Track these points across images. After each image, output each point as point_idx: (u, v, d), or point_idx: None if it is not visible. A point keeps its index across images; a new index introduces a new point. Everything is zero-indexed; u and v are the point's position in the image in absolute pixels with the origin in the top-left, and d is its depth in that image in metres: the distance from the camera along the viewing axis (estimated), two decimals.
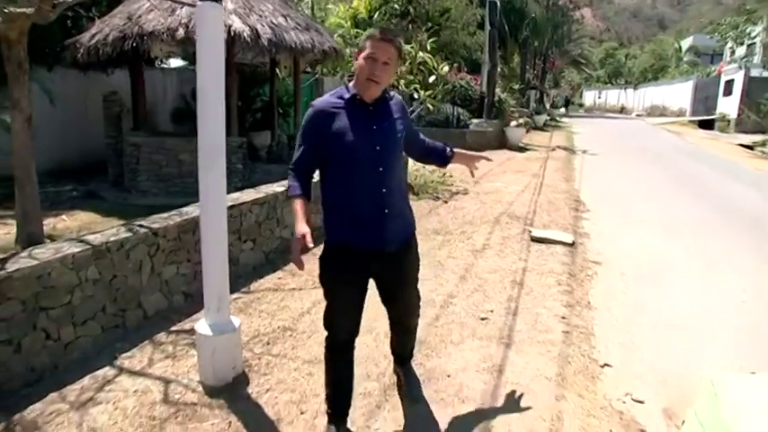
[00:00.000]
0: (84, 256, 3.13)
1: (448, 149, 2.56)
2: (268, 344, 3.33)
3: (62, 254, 3.04)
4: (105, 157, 8.47)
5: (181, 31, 6.55)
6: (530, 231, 6.00)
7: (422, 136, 2.55)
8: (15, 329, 2.79)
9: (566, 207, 7.58)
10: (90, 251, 3.17)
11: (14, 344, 2.79)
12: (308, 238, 1.96)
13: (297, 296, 4.11)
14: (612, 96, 58.81)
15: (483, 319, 3.75)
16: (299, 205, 2.13)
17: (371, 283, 2.35)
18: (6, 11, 4.50)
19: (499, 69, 25.99)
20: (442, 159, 2.57)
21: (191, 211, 4.00)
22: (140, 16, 6.85)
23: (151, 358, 3.13)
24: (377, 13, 17.35)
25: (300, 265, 2.02)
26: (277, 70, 10.96)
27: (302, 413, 2.61)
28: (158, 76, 11.61)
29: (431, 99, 9.81)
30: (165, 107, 11.60)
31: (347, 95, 2.18)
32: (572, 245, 5.60)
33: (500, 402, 2.74)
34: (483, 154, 2.65)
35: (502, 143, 15.97)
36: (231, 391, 2.79)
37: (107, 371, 3.00)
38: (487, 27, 17.87)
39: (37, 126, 7.18)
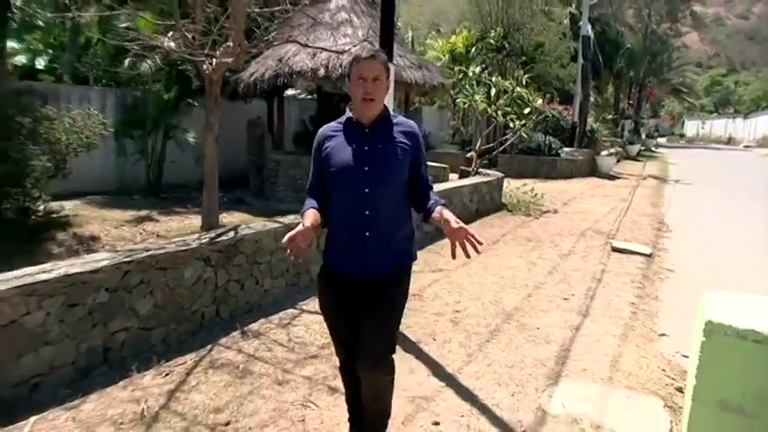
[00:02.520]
0: (281, 231, 4.56)
1: (433, 206, 2.16)
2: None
3: (268, 228, 4.49)
4: (246, 171, 10.31)
5: (322, 71, 8.19)
6: (611, 243, 6.85)
7: (425, 177, 2.27)
8: (242, 274, 4.24)
9: (648, 227, 8.27)
10: (282, 228, 4.60)
11: (240, 283, 4.24)
12: (305, 227, 1.97)
13: (421, 275, 5.33)
14: (718, 126, 55.84)
15: (566, 299, 4.76)
16: (306, 215, 2.13)
17: None
18: (215, 60, 6.22)
19: (592, 99, 26.29)
20: (422, 210, 2.21)
21: None
22: (289, 59, 8.59)
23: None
24: (473, 48, 18.60)
25: (293, 248, 1.92)
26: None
27: (434, 340, 3.82)
28: (284, 105, 13.58)
29: (524, 129, 10.82)
30: (288, 130, 13.53)
31: (344, 119, 2.23)
32: (649, 256, 6.39)
33: (576, 345, 3.77)
34: (471, 228, 2.00)
35: (592, 171, 16.49)
36: None
37: (293, 311, 4.36)
38: (580, 60, 18.52)
39: (194, 145, 9.14)
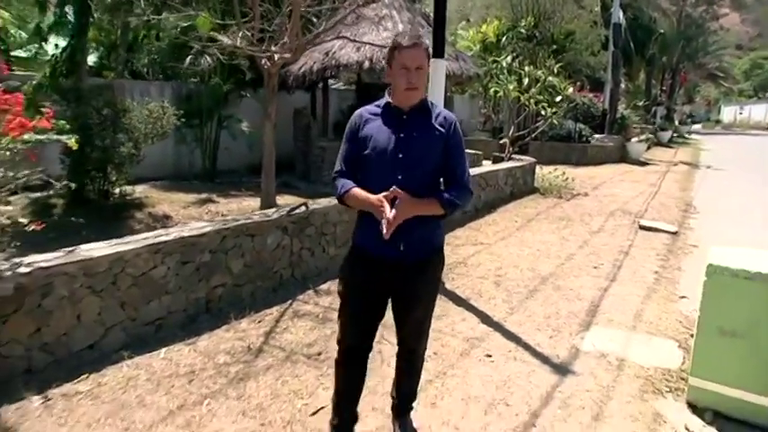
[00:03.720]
0: (342, 208, 5.22)
1: (443, 199, 2.14)
2: (451, 269, 5.18)
3: (333, 204, 5.16)
4: (292, 157, 11.04)
5: (366, 63, 8.81)
6: (639, 222, 7.33)
7: (458, 171, 2.22)
8: (312, 243, 4.92)
9: (676, 209, 8.68)
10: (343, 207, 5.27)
11: (311, 251, 4.93)
12: (382, 198, 2.02)
13: (463, 248, 5.94)
14: (758, 112, 54.36)
15: (595, 267, 5.33)
16: (356, 192, 2.14)
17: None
18: (276, 56, 6.90)
19: (624, 86, 26.22)
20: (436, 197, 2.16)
21: None
22: (335, 52, 9.23)
23: None
24: (504, 37, 18.90)
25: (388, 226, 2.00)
26: None
27: (480, 296, 4.45)
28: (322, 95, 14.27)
29: (555, 116, 11.25)
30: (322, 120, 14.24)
31: (383, 103, 2.23)
32: (675, 233, 6.86)
33: (604, 303, 4.35)
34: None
35: (622, 157, 16.74)
36: None
37: None
38: (611, 48, 18.66)
39: (247, 134, 9.91)
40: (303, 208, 4.89)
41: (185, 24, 8.80)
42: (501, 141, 11.65)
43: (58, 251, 3.46)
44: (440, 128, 2.18)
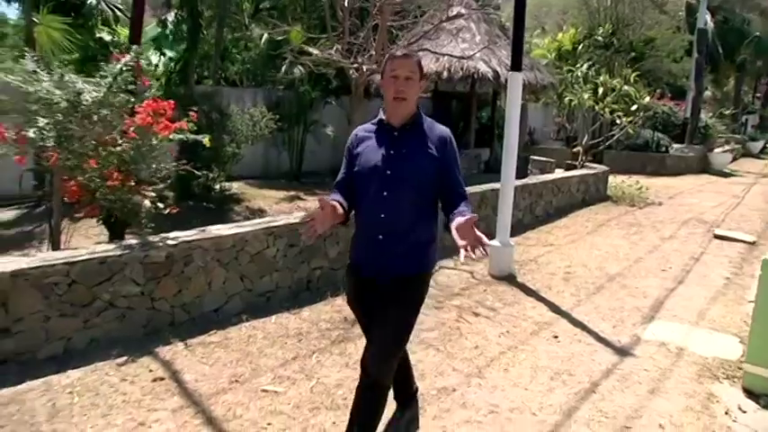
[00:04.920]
0: None
1: (455, 215, 2.07)
2: (522, 265, 5.59)
3: None
4: None
5: (445, 73, 9.37)
6: (713, 231, 7.36)
7: (456, 185, 2.22)
8: None
9: (759, 220, 8.55)
10: None
11: None
12: (324, 212, 2.02)
13: (534, 248, 6.32)
14: None
15: (663, 270, 5.56)
16: (330, 201, 2.12)
17: None
18: (364, 67, 7.58)
19: (710, 93, 25.02)
20: (447, 218, 2.15)
21: (471, 189, 6.53)
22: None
23: (455, 265, 5.61)
24: (580, 45, 18.78)
25: (309, 229, 2.03)
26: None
27: (550, 289, 4.85)
28: None
29: (631, 125, 11.24)
30: None
31: (377, 120, 2.26)
32: (753, 243, 6.86)
33: (669, 301, 4.62)
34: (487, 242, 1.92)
35: (704, 168, 16.20)
36: (508, 279, 5.13)
37: (437, 267, 5.51)
38: (695, 54, 18.08)
39: (337, 137, 10.68)
40: None
41: (280, 38, 9.70)
42: (574, 150, 11.77)
43: (194, 230, 4.24)
44: (432, 145, 2.18)
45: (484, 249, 1.90)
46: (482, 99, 13.59)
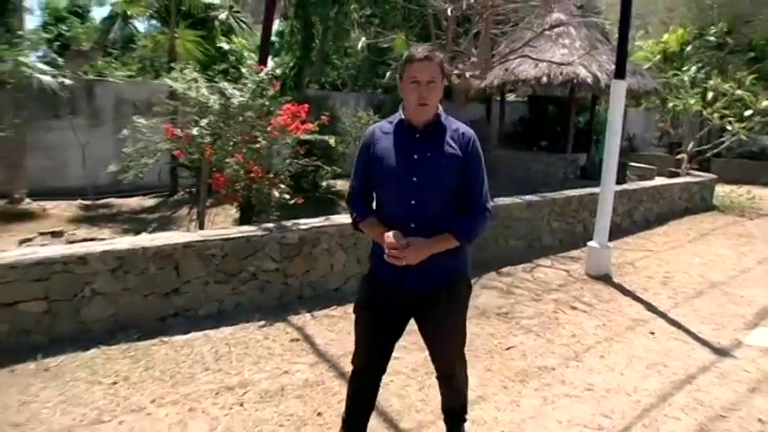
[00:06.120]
0: (524, 205, 6.06)
1: (457, 233, 2.07)
2: (619, 267, 5.72)
3: (515, 201, 6.02)
4: None
5: (544, 79, 9.50)
6: None
7: (475, 194, 2.12)
8: (495, 232, 5.83)
9: None
10: (524, 204, 6.10)
11: (494, 238, 5.84)
12: (393, 236, 1.98)
13: (632, 252, 6.38)
14: None
15: None
16: (370, 224, 2.13)
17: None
18: (467, 73, 7.96)
19: None
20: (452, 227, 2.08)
21: (570, 193, 6.72)
22: (515, 68, 10.06)
23: (552, 264, 5.85)
24: (689, 46, 17.82)
25: (397, 248, 1.98)
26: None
27: (646, 291, 4.99)
28: (496, 106, 15.12)
29: (744, 131, 10.68)
30: (497, 130, 15.05)
31: (396, 120, 2.14)
32: None
33: None
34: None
35: None
36: (604, 279, 5.31)
37: (530, 264, 5.79)
38: None
39: None
40: (492, 202, 5.83)
41: (385, 45, 10.32)
42: (677, 157, 11.38)
43: (321, 217, 4.86)
44: (454, 146, 2.07)
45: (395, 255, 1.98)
46: (580, 104, 13.44)
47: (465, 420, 2.54)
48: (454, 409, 2.50)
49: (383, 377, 2.39)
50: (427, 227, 2.04)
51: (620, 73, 5.41)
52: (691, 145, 11.88)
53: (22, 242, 5.84)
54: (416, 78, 1.99)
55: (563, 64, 8.46)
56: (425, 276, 2.09)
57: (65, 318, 3.62)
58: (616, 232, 6.74)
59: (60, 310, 3.60)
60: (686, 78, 13.20)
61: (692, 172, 10.49)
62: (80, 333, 3.65)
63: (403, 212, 2.06)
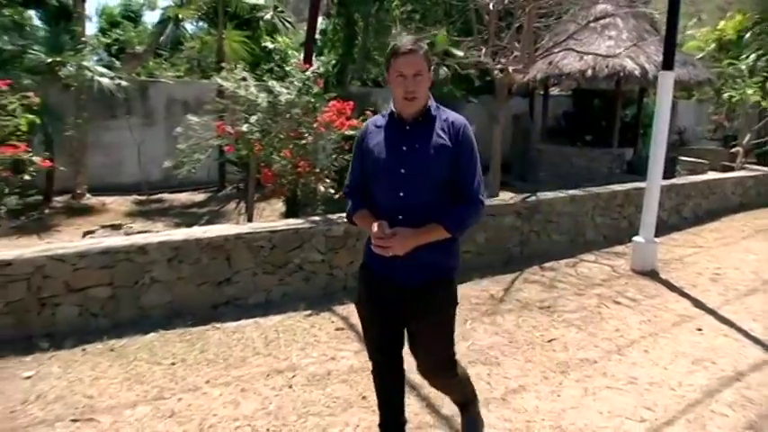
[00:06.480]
0: (568, 200, 6.01)
1: (446, 223, 2.01)
2: (666, 263, 5.60)
3: (559, 196, 5.98)
4: (508, 158, 11.99)
5: (589, 72, 9.32)
6: None
7: (466, 184, 2.06)
8: (539, 227, 5.80)
9: None
10: (568, 198, 6.04)
11: (537, 234, 5.82)
12: (378, 226, 1.98)
13: (680, 248, 6.23)
14: None
15: None
16: (362, 216, 2.14)
17: None
18: (510, 68, 7.92)
19: None
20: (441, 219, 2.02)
21: (615, 187, 6.61)
22: (558, 62, 9.91)
23: (596, 259, 5.78)
24: (749, 32, 17.00)
25: (382, 237, 1.96)
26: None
27: (695, 287, 4.88)
28: (538, 101, 14.89)
29: None
30: (540, 124, 14.83)
31: (388, 113, 2.13)
32: None
33: None
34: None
35: None
36: (650, 274, 5.22)
37: (573, 259, 5.72)
38: None
39: (477, 135, 11.10)
40: (534, 197, 5.82)
41: (427, 41, 10.36)
42: (732, 150, 10.94)
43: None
44: (443, 137, 2.03)
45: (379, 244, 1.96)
46: (626, 97, 13.09)
47: (474, 414, 2.53)
48: (459, 402, 2.52)
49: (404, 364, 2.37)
50: (415, 218, 2.00)
51: (668, 64, 5.29)
52: (747, 138, 11.39)
53: (86, 234, 6.23)
54: (402, 72, 1.96)
55: (609, 56, 8.28)
56: (414, 271, 2.05)
57: (127, 303, 3.87)
58: (663, 228, 6.59)
59: (123, 295, 3.85)
60: (744, 67, 12.65)
61: (747, 166, 10.07)
62: (140, 318, 3.90)
63: (391, 204, 2.04)
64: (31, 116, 4.70)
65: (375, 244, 1.99)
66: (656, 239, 5.41)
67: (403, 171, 2.01)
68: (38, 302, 3.60)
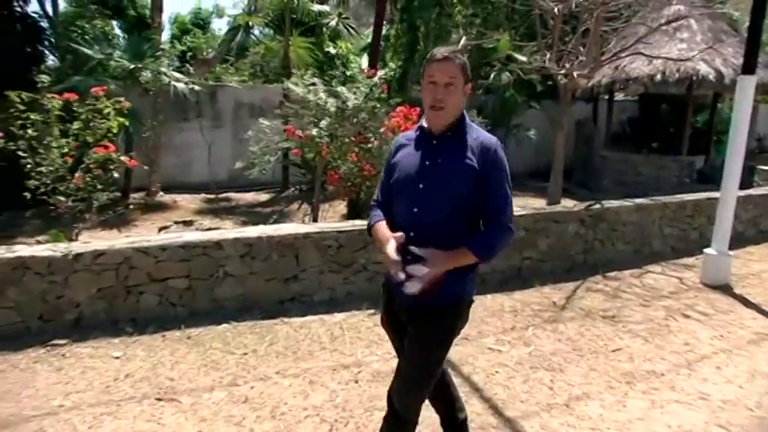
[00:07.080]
0: (634, 208, 5.85)
1: (474, 248, 1.90)
2: (741, 279, 5.35)
3: (625, 205, 5.83)
4: (571, 164, 11.74)
5: (658, 77, 9.01)
6: None
7: (493, 208, 1.94)
8: (603, 236, 5.67)
9: None
10: (633, 207, 5.88)
11: (601, 242, 5.69)
12: (395, 256, 1.85)
13: (757, 263, 5.93)
14: None
15: None
16: (378, 227, 2.02)
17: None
18: (575, 73, 7.78)
19: None
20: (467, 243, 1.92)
21: (685, 197, 6.38)
22: (625, 66, 9.63)
23: (663, 270, 5.59)
24: None
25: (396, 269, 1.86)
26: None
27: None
28: (602, 106, 14.48)
29: None
30: (603, 130, 14.40)
31: (419, 126, 2.08)
32: None
33: None
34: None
35: None
36: (722, 288, 5.01)
37: (639, 270, 5.54)
38: None
39: (538, 140, 10.94)
40: (599, 204, 5.71)
41: (490, 46, 10.33)
42: None
43: None
44: (473, 157, 1.92)
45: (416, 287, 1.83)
46: (698, 102, 12.52)
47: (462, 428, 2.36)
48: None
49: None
50: (426, 238, 1.89)
51: (749, 67, 5.04)
52: None
53: (161, 229, 6.64)
54: (434, 79, 1.89)
55: (680, 60, 7.97)
56: (422, 293, 1.86)
57: (202, 294, 4.12)
58: (738, 241, 6.29)
59: (199, 287, 4.11)
60: None
61: None
62: (214, 309, 4.14)
63: (404, 220, 1.96)
64: (121, 119, 5.07)
65: (393, 272, 1.87)
66: (730, 252, 5.18)
67: (421, 186, 1.94)
68: (125, 290, 3.90)
